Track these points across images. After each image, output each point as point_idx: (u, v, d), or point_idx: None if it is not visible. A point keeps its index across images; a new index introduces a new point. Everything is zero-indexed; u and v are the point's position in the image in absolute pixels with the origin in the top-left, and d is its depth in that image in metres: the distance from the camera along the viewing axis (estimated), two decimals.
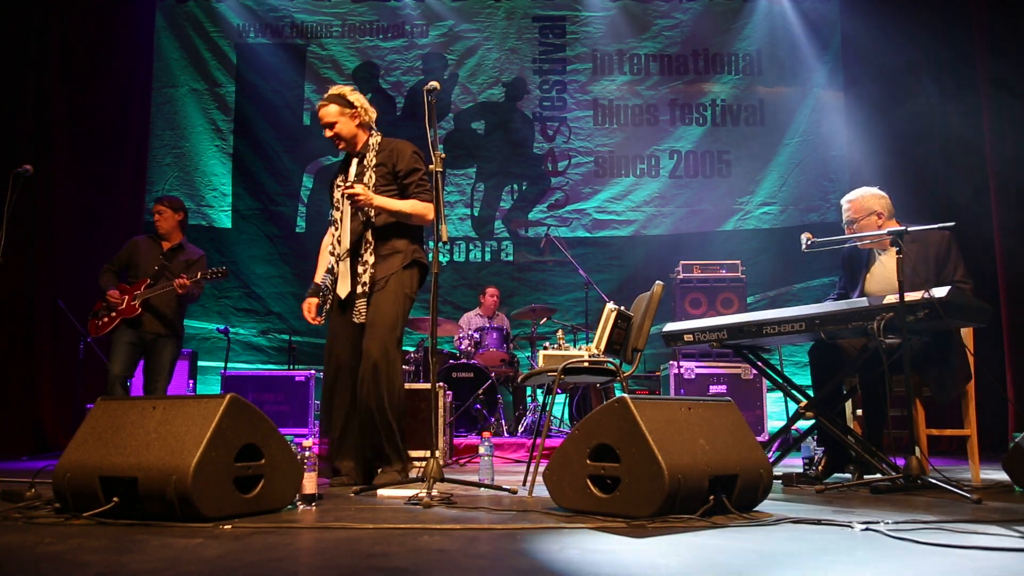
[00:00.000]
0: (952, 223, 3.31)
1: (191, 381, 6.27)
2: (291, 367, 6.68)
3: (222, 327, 6.61)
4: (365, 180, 3.46)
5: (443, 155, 3.28)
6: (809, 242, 3.65)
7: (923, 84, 6.58)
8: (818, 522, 2.32)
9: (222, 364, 6.48)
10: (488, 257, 7.57)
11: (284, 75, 7.70)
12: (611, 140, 7.67)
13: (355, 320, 3.41)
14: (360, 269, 3.43)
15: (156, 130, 7.50)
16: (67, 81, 6.80)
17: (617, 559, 1.84)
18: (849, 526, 2.22)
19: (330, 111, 3.53)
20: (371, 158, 3.52)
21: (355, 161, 3.57)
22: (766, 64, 7.64)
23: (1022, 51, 6.06)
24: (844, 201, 3.85)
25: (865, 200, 3.78)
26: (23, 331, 6.40)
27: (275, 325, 7.35)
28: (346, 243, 3.49)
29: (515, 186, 7.68)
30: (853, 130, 7.26)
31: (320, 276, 3.67)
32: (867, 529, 2.17)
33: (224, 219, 7.52)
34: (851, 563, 1.79)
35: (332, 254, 3.56)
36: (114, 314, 4.78)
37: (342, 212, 3.52)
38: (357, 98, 3.57)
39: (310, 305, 3.61)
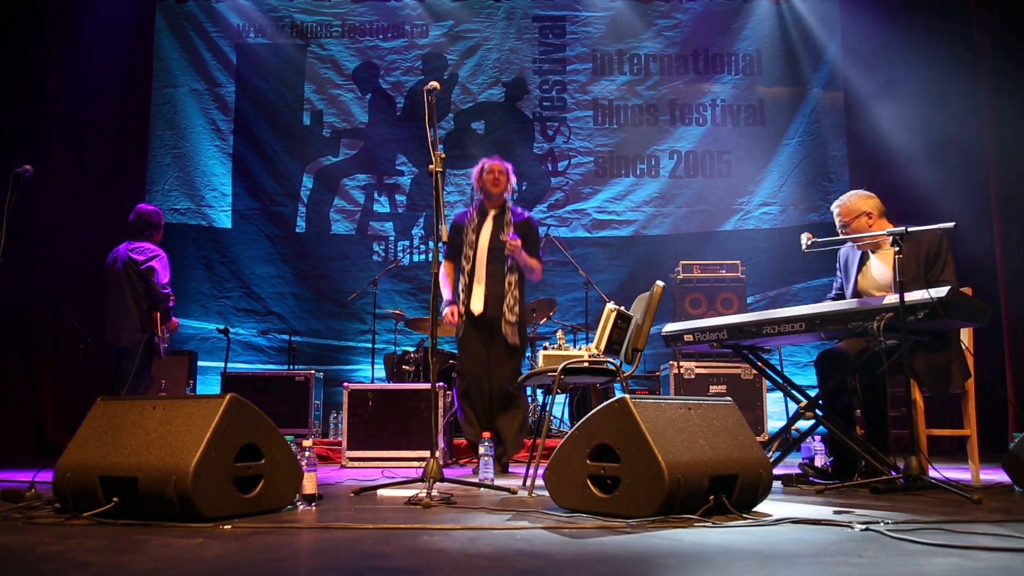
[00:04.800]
0: (953, 223, 3.30)
1: (191, 381, 6.27)
2: (291, 367, 6.68)
3: (222, 327, 6.61)
4: (502, 237, 4.41)
5: (443, 155, 3.29)
6: (809, 242, 3.65)
7: (923, 84, 6.58)
8: (818, 522, 2.32)
9: (222, 364, 6.48)
10: None
11: (284, 75, 7.69)
12: (611, 140, 7.67)
13: (509, 341, 4.35)
14: (509, 303, 4.36)
15: (156, 130, 7.49)
16: (67, 81, 6.81)
17: (617, 559, 1.84)
18: (849, 526, 2.22)
19: (504, 174, 4.53)
20: (508, 218, 4.49)
21: (492, 217, 4.49)
22: (766, 64, 7.63)
23: (1022, 51, 6.07)
24: (834, 207, 3.85)
25: (853, 203, 3.78)
26: (23, 331, 6.41)
27: (275, 325, 7.35)
28: (481, 273, 4.39)
29: (515, 186, 7.66)
30: (853, 130, 7.25)
31: (450, 293, 4.54)
32: (867, 529, 2.17)
33: (224, 219, 7.52)
34: (851, 563, 1.79)
35: (465, 275, 4.43)
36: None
37: (476, 253, 4.42)
38: (513, 177, 4.61)
39: (454, 310, 4.44)
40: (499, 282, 4.38)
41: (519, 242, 4.33)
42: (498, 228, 4.46)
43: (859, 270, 3.81)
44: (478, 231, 4.47)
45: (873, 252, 3.79)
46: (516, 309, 4.38)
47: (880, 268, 3.73)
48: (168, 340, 5.14)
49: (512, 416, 4.42)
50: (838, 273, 3.99)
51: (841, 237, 3.74)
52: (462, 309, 4.43)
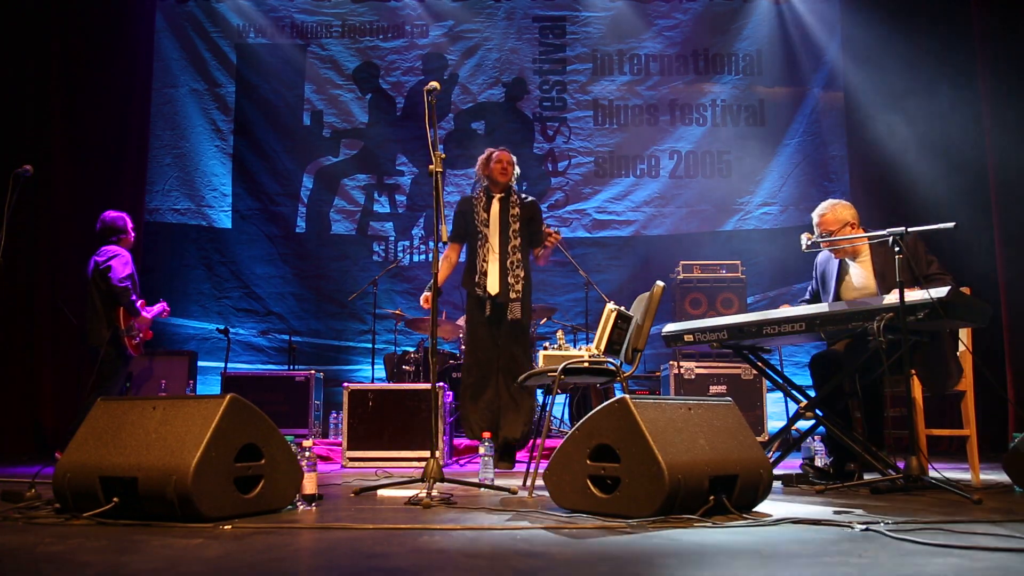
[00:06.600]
0: (953, 223, 3.30)
1: (191, 381, 6.27)
2: (291, 367, 6.68)
3: (222, 327, 6.61)
4: (510, 216, 4.66)
5: (443, 155, 3.29)
6: (809, 242, 3.65)
7: (923, 84, 6.58)
8: (818, 522, 2.32)
9: (222, 364, 6.48)
10: None
11: (284, 75, 7.68)
12: (611, 140, 7.67)
13: (510, 317, 4.54)
14: (512, 280, 4.56)
15: (156, 130, 7.49)
16: (67, 82, 6.80)
17: (617, 559, 1.84)
18: (849, 526, 2.22)
19: (511, 164, 4.72)
20: (515, 199, 4.71)
21: (498, 199, 4.68)
22: (766, 64, 7.63)
23: (1022, 52, 6.07)
24: (815, 215, 3.84)
25: (838, 211, 3.79)
26: (23, 331, 6.41)
27: (275, 325, 7.35)
28: (495, 250, 4.58)
29: (515, 186, 7.66)
30: (853, 130, 7.25)
31: (442, 281, 4.57)
32: (867, 529, 2.17)
33: (224, 219, 7.52)
34: (851, 563, 1.79)
35: (480, 254, 4.63)
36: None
37: (489, 230, 4.63)
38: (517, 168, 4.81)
39: (427, 298, 4.54)
40: (507, 260, 4.60)
41: (559, 236, 4.68)
42: (505, 208, 4.68)
43: (839, 279, 3.82)
44: (488, 209, 4.69)
45: (852, 260, 3.80)
46: (519, 287, 4.58)
47: (860, 276, 3.76)
48: (145, 332, 5.18)
49: (514, 420, 4.62)
50: (814, 278, 4.00)
51: (840, 237, 3.73)
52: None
